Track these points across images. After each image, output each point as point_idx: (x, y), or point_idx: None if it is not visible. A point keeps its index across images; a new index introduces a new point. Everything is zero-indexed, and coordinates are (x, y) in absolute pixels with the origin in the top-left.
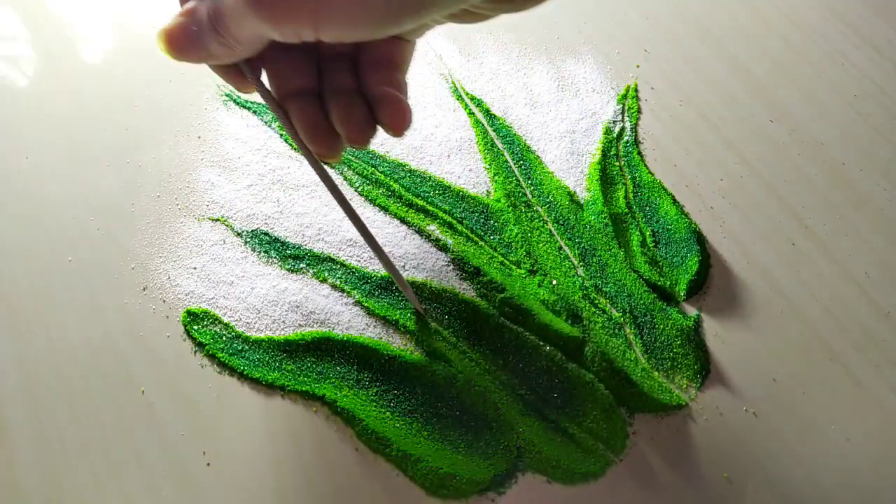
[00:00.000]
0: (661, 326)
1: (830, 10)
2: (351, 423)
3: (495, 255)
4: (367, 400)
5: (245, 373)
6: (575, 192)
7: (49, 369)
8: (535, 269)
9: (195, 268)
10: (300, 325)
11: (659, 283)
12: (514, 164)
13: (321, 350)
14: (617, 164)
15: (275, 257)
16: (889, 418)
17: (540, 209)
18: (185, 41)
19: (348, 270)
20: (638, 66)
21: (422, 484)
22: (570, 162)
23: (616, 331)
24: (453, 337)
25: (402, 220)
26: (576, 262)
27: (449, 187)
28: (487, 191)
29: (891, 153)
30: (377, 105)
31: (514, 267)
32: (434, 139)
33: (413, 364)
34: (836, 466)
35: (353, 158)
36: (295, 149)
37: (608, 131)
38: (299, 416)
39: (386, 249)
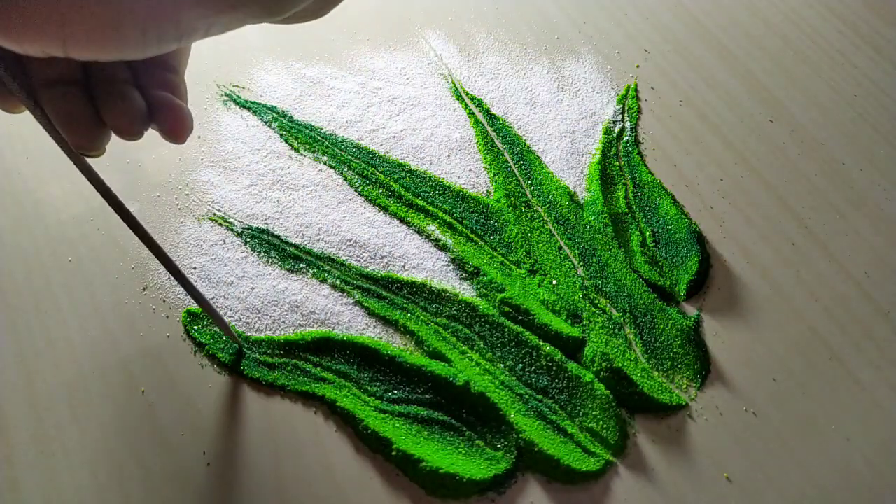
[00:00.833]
0: (661, 326)
1: (830, 10)
2: (351, 423)
3: (495, 255)
4: (367, 400)
5: (245, 373)
6: (575, 192)
7: (49, 369)
8: (535, 269)
9: (195, 268)
10: (300, 326)
11: (659, 283)
12: (514, 164)
13: (321, 350)
14: (617, 164)
15: (275, 257)
16: (889, 418)
17: (540, 209)
18: None
19: (348, 270)
20: (638, 67)
21: (422, 484)
22: (570, 162)
23: (616, 331)
24: (453, 337)
25: (402, 220)
26: (576, 262)
27: (449, 187)
28: (487, 191)
29: (891, 153)
30: (154, 111)
31: (514, 267)
32: (434, 139)
33: (413, 364)
34: (836, 466)
35: (353, 159)
36: (296, 149)
37: (608, 131)
38: (299, 416)
39: (386, 249)
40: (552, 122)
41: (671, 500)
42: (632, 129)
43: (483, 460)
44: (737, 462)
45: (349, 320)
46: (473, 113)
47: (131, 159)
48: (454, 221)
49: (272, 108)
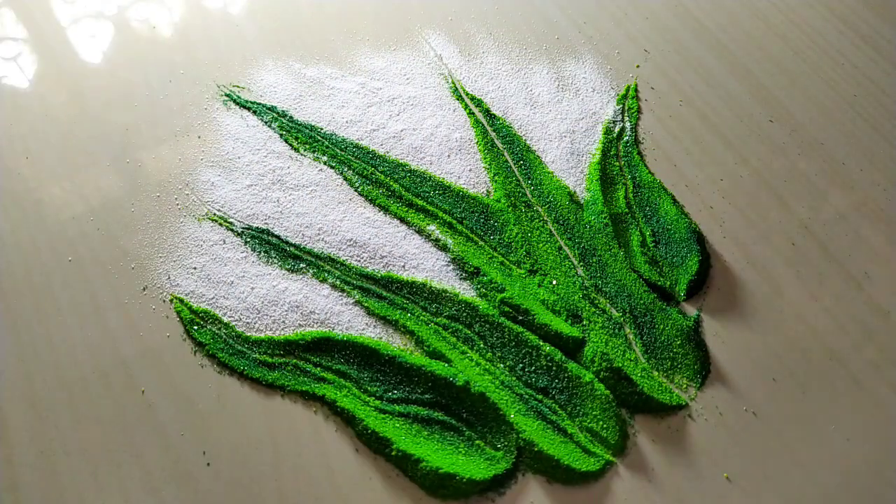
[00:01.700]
0: (661, 326)
1: (830, 10)
2: (351, 423)
3: (495, 255)
4: (367, 400)
5: (245, 373)
6: (575, 191)
7: (49, 369)
8: (535, 269)
9: (195, 268)
10: (300, 325)
11: (659, 283)
12: (514, 163)
13: (321, 350)
14: (617, 164)
15: (275, 257)
16: (888, 418)
17: (540, 209)
18: None
19: (348, 270)
20: (638, 67)
21: (421, 484)
22: (570, 162)
23: (616, 331)
24: (453, 337)
25: (402, 220)
26: (576, 262)
27: (449, 187)
28: (487, 191)
29: (891, 153)
30: None
31: (514, 267)
32: (434, 139)
33: (413, 364)
34: (836, 466)
35: (353, 159)
36: (296, 149)
37: (608, 131)
38: (299, 416)
39: (386, 249)
40: (552, 122)
41: (671, 499)
42: (632, 129)
43: (483, 460)
44: (736, 461)
45: (349, 320)
46: (473, 113)
47: (131, 159)
48: (454, 221)
49: (272, 108)
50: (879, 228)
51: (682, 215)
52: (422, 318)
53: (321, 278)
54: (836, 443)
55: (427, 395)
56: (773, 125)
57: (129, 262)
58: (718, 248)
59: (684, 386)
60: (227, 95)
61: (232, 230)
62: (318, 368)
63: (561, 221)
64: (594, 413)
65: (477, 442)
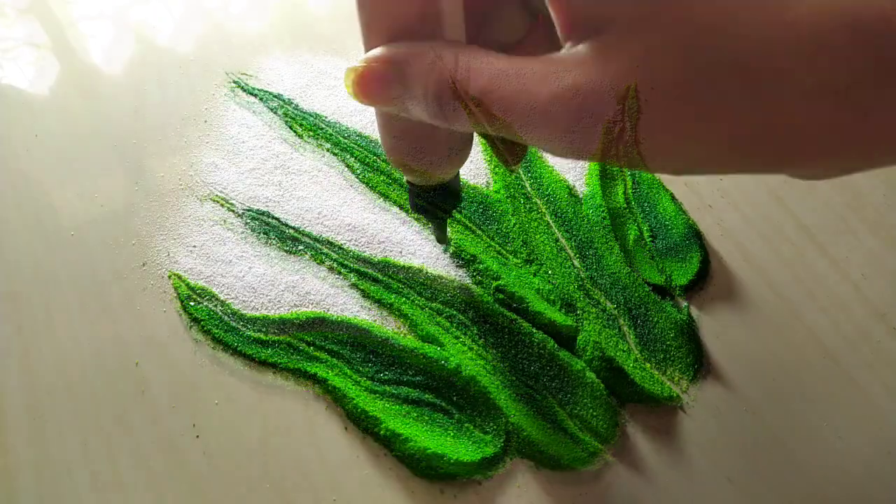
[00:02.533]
0: (655, 319)
1: None
2: (341, 402)
3: (492, 244)
4: (358, 380)
5: (238, 349)
6: (574, 186)
7: (44, 339)
8: (531, 258)
9: (195, 245)
10: (296, 305)
11: (656, 280)
12: None
13: (315, 329)
14: None
15: (274, 239)
16: (883, 418)
17: (538, 202)
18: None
19: (346, 253)
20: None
21: (409, 463)
22: None
23: (610, 322)
24: (447, 321)
25: (402, 207)
26: (572, 255)
27: None
28: (487, 182)
29: None
30: None
31: (510, 256)
32: None
33: (406, 346)
34: (830, 465)
35: (354, 146)
36: (300, 136)
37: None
38: (290, 393)
39: (384, 235)
40: None
41: (658, 489)
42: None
43: (471, 443)
44: (733, 461)
45: (344, 302)
46: None
47: (137, 140)
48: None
49: (278, 96)
50: (877, 230)
51: (681, 213)
52: (416, 302)
53: (319, 260)
54: (831, 442)
55: (418, 378)
56: None
57: (130, 238)
58: (717, 246)
59: (676, 378)
60: (235, 83)
61: (233, 211)
62: (312, 347)
63: (559, 214)
64: (584, 401)
65: (466, 425)
